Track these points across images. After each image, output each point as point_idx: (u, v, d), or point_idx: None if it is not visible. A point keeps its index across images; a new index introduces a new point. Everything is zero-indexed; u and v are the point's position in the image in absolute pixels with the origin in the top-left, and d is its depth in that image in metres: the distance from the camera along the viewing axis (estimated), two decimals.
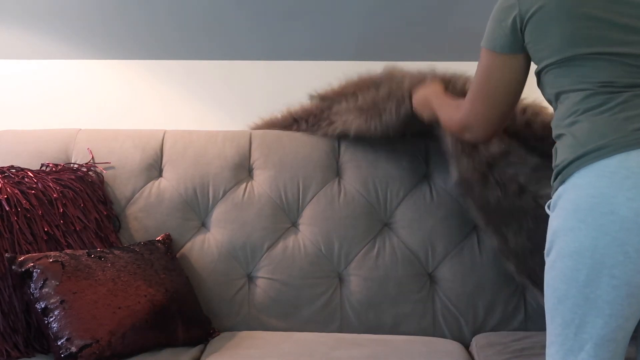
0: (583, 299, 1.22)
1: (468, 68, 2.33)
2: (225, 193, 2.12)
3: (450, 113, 1.64)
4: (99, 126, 2.26)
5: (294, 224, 2.11)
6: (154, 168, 2.15)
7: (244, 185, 2.13)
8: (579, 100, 1.31)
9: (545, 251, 1.31)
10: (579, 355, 1.23)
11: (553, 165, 1.33)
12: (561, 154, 1.31)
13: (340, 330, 2.01)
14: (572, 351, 1.24)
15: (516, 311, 2.00)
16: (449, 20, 2.32)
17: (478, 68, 1.49)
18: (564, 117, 1.33)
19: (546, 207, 1.35)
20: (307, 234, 2.08)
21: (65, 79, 2.39)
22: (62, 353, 1.63)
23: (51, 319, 1.66)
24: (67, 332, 1.64)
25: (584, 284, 1.22)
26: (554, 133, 1.37)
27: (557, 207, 1.28)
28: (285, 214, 2.11)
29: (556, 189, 1.30)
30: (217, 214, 2.10)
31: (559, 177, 1.30)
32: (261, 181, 2.13)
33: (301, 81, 2.37)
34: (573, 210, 1.24)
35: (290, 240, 2.08)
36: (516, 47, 1.41)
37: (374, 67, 2.35)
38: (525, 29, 1.38)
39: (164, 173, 2.14)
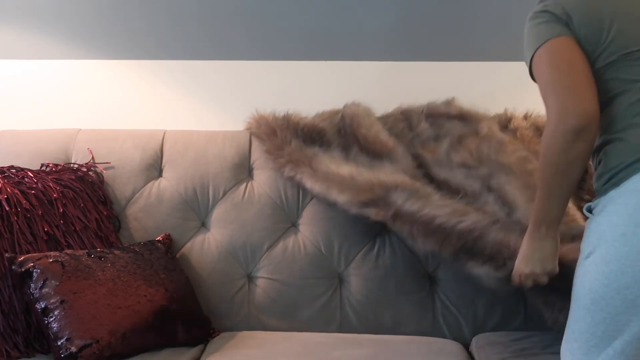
0: (621, 300, 1.22)
1: (469, 67, 2.35)
2: (225, 193, 2.12)
3: (541, 168, 1.44)
4: (99, 126, 2.26)
5: (294, 224, 2.11)
6: (154, 168, 2.15)
7: (244, 185, 2.13)
8: (634, 102, 1.30)
9: (584, 253, 1.29)
10: (605, 351, 1.24)
11: (601, 169, 1.31)
12: (615, 157, 1.29)
13: (340, 330, 2.01)
14: (597, 347, 1.25)
15: (516, 311, 2.00)
16: (448, 20, 2.32)
17: (541, 67, 1.39)
18: (614, 121, 1.32)
19: (585, 211, 1.33)
20: (307, 234, 2.08)
21: (65, 79, 2.38)
22: (62, 353, 1.63)
23: (51, 319, 1.66)
24: (67, 332, 1.64)
25: (625, 286, 1.21)
26: (600, 140, 1.34)
27: (607, 211, 1.27)
28: (285, 214, 2.11)
29: (606, 193, 1.28)
30: (217, 214, 2.10)
31: (612, 180, 1.28)
32: (261, 181, 2.13)
33: (301, 81, 2.37)
34: (629, 214, 1.22)
35: (290, 240, 2.08)
36: (569, 32, 1.37)
37: (375, 67, 2.36)
38: (572, 23, 1.37)
39: (164, 173, 2.14)
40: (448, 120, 2.14)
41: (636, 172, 1.24)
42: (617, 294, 1.22)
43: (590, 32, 1.36)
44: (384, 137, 2.07)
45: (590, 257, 1.28)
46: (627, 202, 1.24)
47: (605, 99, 1.35)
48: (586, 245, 1.30)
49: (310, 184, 1.97)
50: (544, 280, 1.49)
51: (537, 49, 1.38)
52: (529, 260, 1.51)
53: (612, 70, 1.35)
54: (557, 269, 1.49)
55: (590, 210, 1.34)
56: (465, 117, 2.13)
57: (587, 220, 1.33)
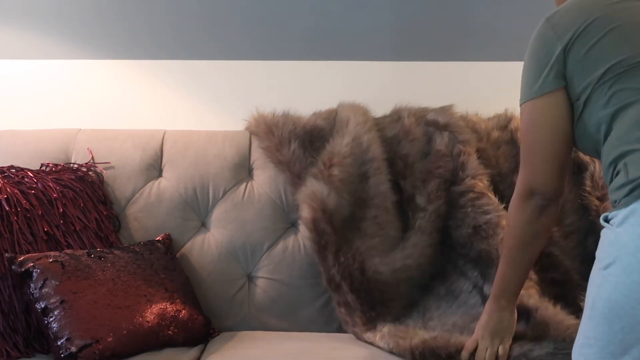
0: None
1: (470, 67, 2.35)
2: (225, 193, 2.12)
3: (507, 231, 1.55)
4: (99, 126, 2.26)
5: (294, 224, 2.11)
6: (154, 168, 2.14)
7: (244, 185, 2.13)
8: None
9: (603, 263, 1.28)
10: (622, 358, 1.23)
11: (622, 180, 1.30)
12: (637, 168, 1.27)
13: (340, 330, 2.01)
14: (613, 355, 1.24)
15: None
16: (448, 20, 2.32)
17: (522, 128, 1.47)
18: (629, 132, 1.30)
19: (602, 221, 1.32)
20: (307, 234, 2.07)
21: (65, 79, 2.38)
22: (62, 353, 1.62)
23: (51, 319, 1.66)
24: (67, 332, 1.64)
25: None
26: (615, 152, 1.33)
27: (629, 223, 1.25)
28: (285, 214, 2.11)
29: (628, 205, 1.26)
30: (217, 214, 2.10)
31: (635, 192, 1.26)
32: (261, 181, 2.13)
33: (301, 81, 2.37)
34: None
35: (290, 240, 2.08)
36: (557, 80, 1.41)
37: (375, 67, 2.36)
38: (569, 54, 1.38)
39: (164, 173, 2.14)
40: (436, 132, 2.12)
41: None
42: (637, 304, 1.21)
43: (589, 47, 1.37)
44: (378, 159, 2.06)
45: (610, 268, 1.26)
46: None
47: (616, 110, 1.34)
48: (603, 254, 1.29)
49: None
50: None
51: (527, 101, 1.44)
52: (485, 329, 1.61)
53: (623, 81, 1.33)
54: (507, 345, 1.60)
55: (607, 220, 1.32)
56: (452, 131, 2.10)
57: (604, 230, 1.31)
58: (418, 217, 2.02)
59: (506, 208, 1.72)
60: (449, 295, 1.95)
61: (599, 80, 1.36)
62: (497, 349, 1.60)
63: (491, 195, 1.99)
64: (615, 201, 1.32)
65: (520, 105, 1.47)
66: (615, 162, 1.34)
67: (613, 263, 1.26)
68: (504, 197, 2.00)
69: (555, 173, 1.45)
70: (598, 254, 1.31)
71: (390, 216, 2.02)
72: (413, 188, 2.06)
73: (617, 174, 1.33)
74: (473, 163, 2.03)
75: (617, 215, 1.28)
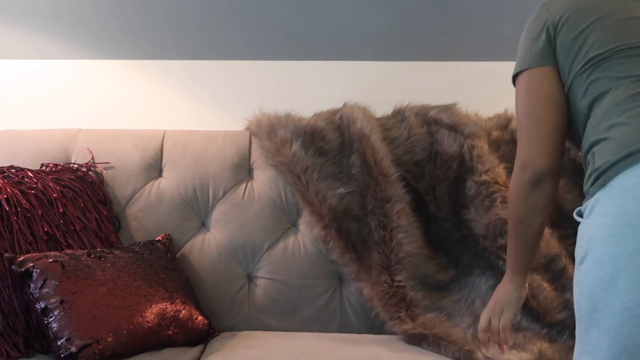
0: (620, 307, 1.16)
1: (470, 67, 2.35)
2: (225, 193, 2.12)
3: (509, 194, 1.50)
4: (99, 126, 2.27)
5: (294, 224, 2.11)
6: (154, 168, 2.14)
7: (244, 185, 2.13)
8: (620, 100, 1.28)
9: (578, 259, 1.26)
10: None
11: (589, 171, 1.29)
12: (601, 157, 1.25)
13: (340, 330, 2.02)
14: None
15: None
16: (448, 20, 2.32)
17: (517, 100, 1.45)
18: (600, 122, 1.30)
19: (575, 215, 1.30)
20: (307, 234, 2.07)
21: (65, 79, 2.39)
22: (62, 353, 1.62)
23: (51, 319, 1.66)
24: (67, 332, 1.64)
25: (623, 292, 1.16)
26: (587, 143, 1.32)
27: (595, 213, 1.22)
28: (285, 214, 2.11)
29: (593, 194, 1.24)
30: (217, 214, 2.10)
31: (599, 180, 1.24)
32: (261, 181, 2.13)
33: (301, 81, 2.37)
34: (617, 214, 1.18)
35: (290, 240, 2.08)
36: (550, 59, 1.40)
37: (375, 67, 2.36)
38: (558, 34, 1.38)
39: (164, 173, 2.14)
40: (440, 131, 2.12)
41: (622, 170, 1.20)
42: (615, 300, 1.17)
43: (575, 37, 1.38)
44: (387, 163, 2.06)
45: (584, 262, 1.23)
46: (615, 201, 1.20)
47: (592, 99, 1.34)
48: (578, 250, 1.26)
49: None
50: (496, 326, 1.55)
51: (519, 73, 1.44)
52: (489, 303, 1.57)
53: (600, 70, 1.33)
54: (507, 319, 1.54)
55: (580, 215, 1.30)
56: (457, 128, 2.10)
57: (579, 226, 1.28)
58: (434, 226, 2.05)
59: None
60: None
61: (580, 69, 1.36)
62: (498, 321, 1.55)
63: None
64: (586, 192, 1.30)
65: (514, 78, 1.46)
66: (586, 153, 1.32)
67: (586, 256, 1.23)
68: None
69: (549, 147, 1.40)
70: (575, 251, 1.29)
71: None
72: (426, 193, 2.07)
73: (588, 165, 1.31)
74: (488, 156, 2.03)
75: (586, 206, 1.26)
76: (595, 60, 1.34)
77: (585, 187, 1.29)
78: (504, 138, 2.13)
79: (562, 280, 1.88)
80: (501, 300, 1.55)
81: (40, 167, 2.07)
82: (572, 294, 1.72)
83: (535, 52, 1.42)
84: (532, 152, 1.41)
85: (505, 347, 1.55)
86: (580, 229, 1.27)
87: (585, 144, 1.34)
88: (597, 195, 1.23)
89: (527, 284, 1.56)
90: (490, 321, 1.55)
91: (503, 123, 2.17)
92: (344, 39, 2.35)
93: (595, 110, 1.33)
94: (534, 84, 1.42)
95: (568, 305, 1.83)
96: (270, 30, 2.35)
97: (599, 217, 1.22)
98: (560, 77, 1.41)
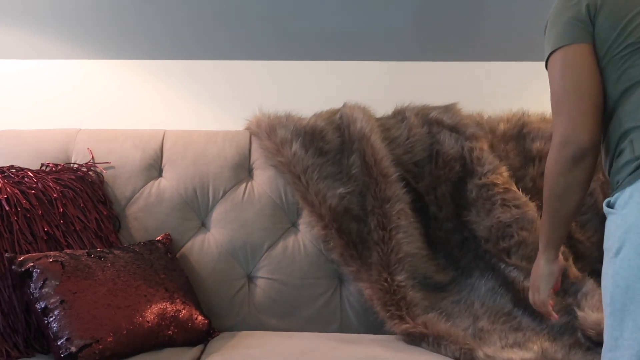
0: None
1: (470, 68, 2.35)
2: (225, 193, 2.12)
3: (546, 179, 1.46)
4: (99, 126, 2.27)
5: (294, 224, 2.11)
6: (154, 168, 2.14)
7: (244, 185, 2.13)
8: None
9: (612, 250, 1.23)
10: None
11: (627, 157, 1.27)
12: None
13: (340, 330, 2.02)
14: None
15: None
16: (449, 20, 2.32)
17: (554, 76, 1.42)
18: (638, 109, 1.28)
19: (605, 207, 1.28)
20: (307, 234, 2.07)
21: (65, 79, 2.39)
22: (62, 353, 1.62)
23: (51, 319, 1.66)
24: (67, 332, 1.64)
25: None
26: (621, 129, 1.31)
27: (634, 201, 1.20)
28: (285, 214, 2.11)
29: (632, 183, 1.22)
30: (217, 214, 2.10)
31: (639, 170, 1.22)
32: (261, 181, 2.13)
33: (301, 81, 2.37)
34: None
35: (290, 240, 2.08)
36: (589, 37, 1.38)
37: (375, 67, 2.36)
38: (598, 14, 1.36)
39: (164, 173, 2.14)
40: (442, 132, 2.12)
41: None
42: None
43: (615, 21, 1.36)
44: (387, 163, 2.05)
45: (621, 253, 1.20)
46: None
47: (627, 86, 1.32)
48: (612, 242, 1.23)
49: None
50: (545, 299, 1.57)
51: (555, 50, 1.40)
52: (531, 277, 1.59)
53: (636, 58, 1.32)
54: (544, 294, 1.56)
55: (610, 206, 1.27)
56: (458, 130, 2.10)
57: (609, 217, 1.26)
58: (434, 227, 2.05)
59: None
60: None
61: (616, 54, 1.34)
62: (538, 295, 1.57)
63: (515, 188, 2.00)
64: (618, 182, 1.27)
65: (549, 57, 1.42)
66: (619, 140, 1.30)
67: (623, 246, 1.20)
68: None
69: (592, 121, 1.36)
70: (605, 244, 1.27)
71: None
72: (426, 194, 2.07)
73: (621, 153, 1.29)
74: (488, 157, 2.03)
75: (621, 196, 1.24)
76: (634, 47, 1.33)
77: (619, 176, 1.27)
78: (511, 133, 2.13)
79: (564, 284, 1.88)
80: (535, 276, 1.58)
81: (40, 167, 2.07)
82: (573, 299, 1.73)
83: (573, 30, 1.38)
84: (574, 128, 1.36)
85: (555, 315, 1.59)
86: (614, 220, 1.25)
87: (615, 132, 1.32)
88: (637, 184, 1.21)
89: (560, 258, 1.55)
90: (534, 296, 1.59)
91: (509, 116, 2.17)
92: (344, 39, 2.35)
93: (632, 96, 1.31)
94: (574, 60, 1.38)
95: (569, 311, 1.83)
96: (270, 30, 2.35)
97: (638, 206, 1.19)
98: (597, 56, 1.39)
